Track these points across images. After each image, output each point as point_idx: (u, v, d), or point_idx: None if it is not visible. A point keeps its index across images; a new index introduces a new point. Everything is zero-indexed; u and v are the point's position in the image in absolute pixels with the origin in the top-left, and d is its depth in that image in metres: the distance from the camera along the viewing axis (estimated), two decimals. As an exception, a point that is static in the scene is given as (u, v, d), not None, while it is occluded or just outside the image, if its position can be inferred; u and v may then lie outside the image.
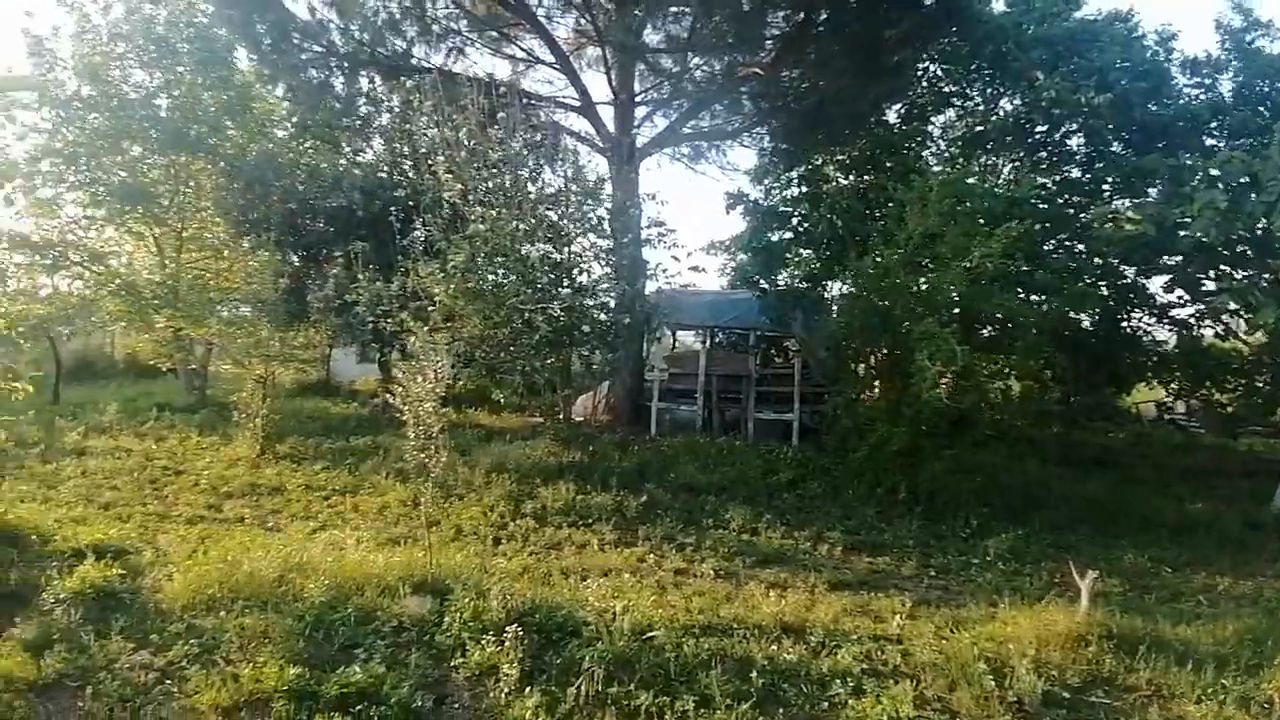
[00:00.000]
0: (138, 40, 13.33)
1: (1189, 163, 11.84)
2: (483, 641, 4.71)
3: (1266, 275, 11.28)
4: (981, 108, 14.90)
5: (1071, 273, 12.89)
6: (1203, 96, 13.51)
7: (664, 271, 12.71)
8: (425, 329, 7.28)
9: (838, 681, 4.50)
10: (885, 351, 10.23)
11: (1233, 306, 12.66)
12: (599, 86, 18.25)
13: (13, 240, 12.43)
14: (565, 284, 11.24)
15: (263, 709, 4.11)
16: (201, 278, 14.55)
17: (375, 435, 11.33)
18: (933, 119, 15.26)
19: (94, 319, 15.31)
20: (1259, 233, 10.18)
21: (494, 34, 14.68)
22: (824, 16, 12.37)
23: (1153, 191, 13.09)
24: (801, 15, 12.36)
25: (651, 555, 7.25)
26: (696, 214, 44.38)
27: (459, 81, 12.53)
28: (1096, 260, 13.41)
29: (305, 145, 15.28)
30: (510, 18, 14.04)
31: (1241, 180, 9.57)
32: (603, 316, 11.89)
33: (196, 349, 14.52)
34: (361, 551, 6.42)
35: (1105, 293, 14.03)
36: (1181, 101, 13.44)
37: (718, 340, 16.46)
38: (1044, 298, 12.75)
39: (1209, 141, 13.18)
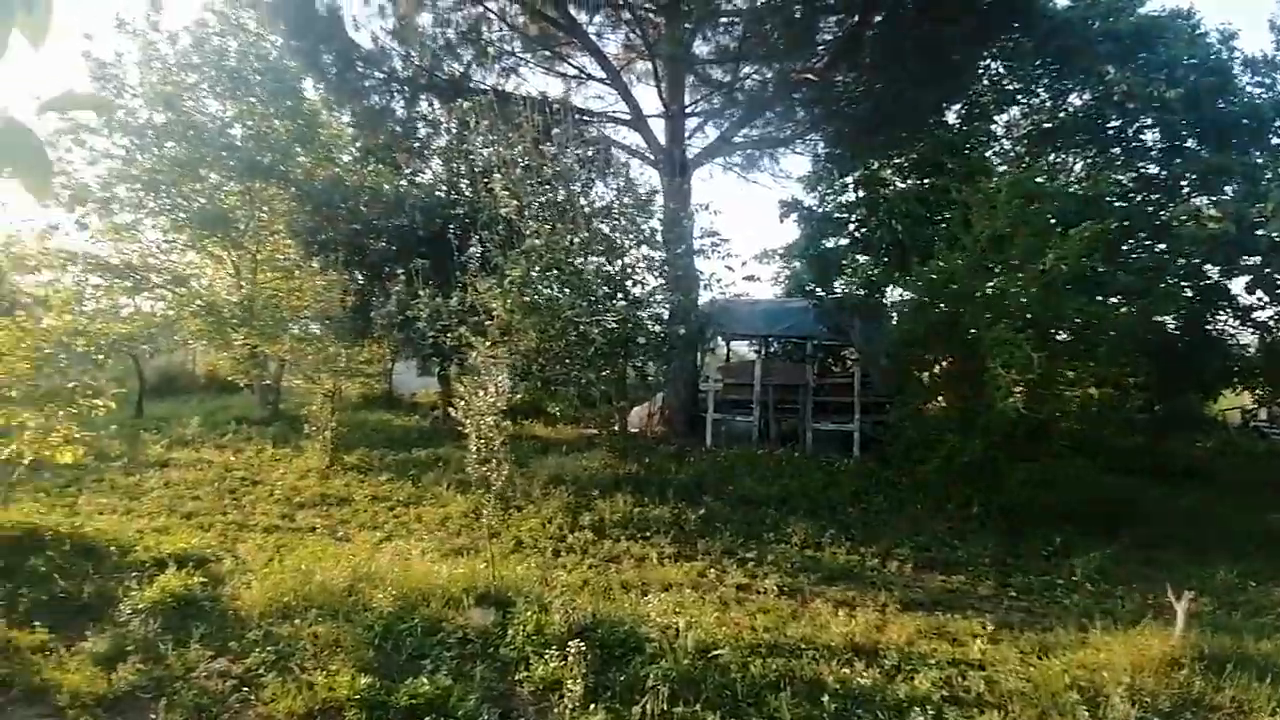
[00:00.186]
0: (209, 71, 14.10)
1: (1259, 160, 11.20)
2: (546, 656, 4.69)
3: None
4: (1049, 104, 14.30)
5: (1154, 273, 12.17)
6: (1265, 95, 12.90)
7: (718, 281, 12.59)
8: (485, 343, 7.37)
9: (916, 709, 4.27)
10: (952, 359, 9.81)
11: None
12: (649, 100, 18.36)
13: (89, 262, 13.22)
14: (619, 296, 11.26)
15: (336, 717, 4.18)
16: (275, 297, 15.23)
17: (436, 447, 11.58)
18: (996, 117, 14.74)
19: (176, 337, 16.21)
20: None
21: (546, 53, 14.98)
22: (879, 19, 12.10)
23: (1228, 189, 12.42)
24: (856, 18, 12.12)
25: (712, 570, 7.12)
26: (749, 223, 44.14)
27: (513, 101, 12.81)
28: (1180, 260, 12.66)
29: (368, 169, 15.87)
30: (562, 37, 14.30)
31: None
32: (657, 328, 11.86)
33: (270, 365, 15.19)
34: (426, 562, 6.53)
35: (1189, 294, 13.25)
36: (1246, 100, 12.82)
37: (773, 350, 16.20)
38: (1124, 300, 12.08)
39: (1274, 140, 12.69)
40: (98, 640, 4.70)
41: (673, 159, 13.51)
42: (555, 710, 4.34)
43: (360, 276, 14.06)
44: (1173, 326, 13.61)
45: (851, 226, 14.00)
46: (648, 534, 8.22)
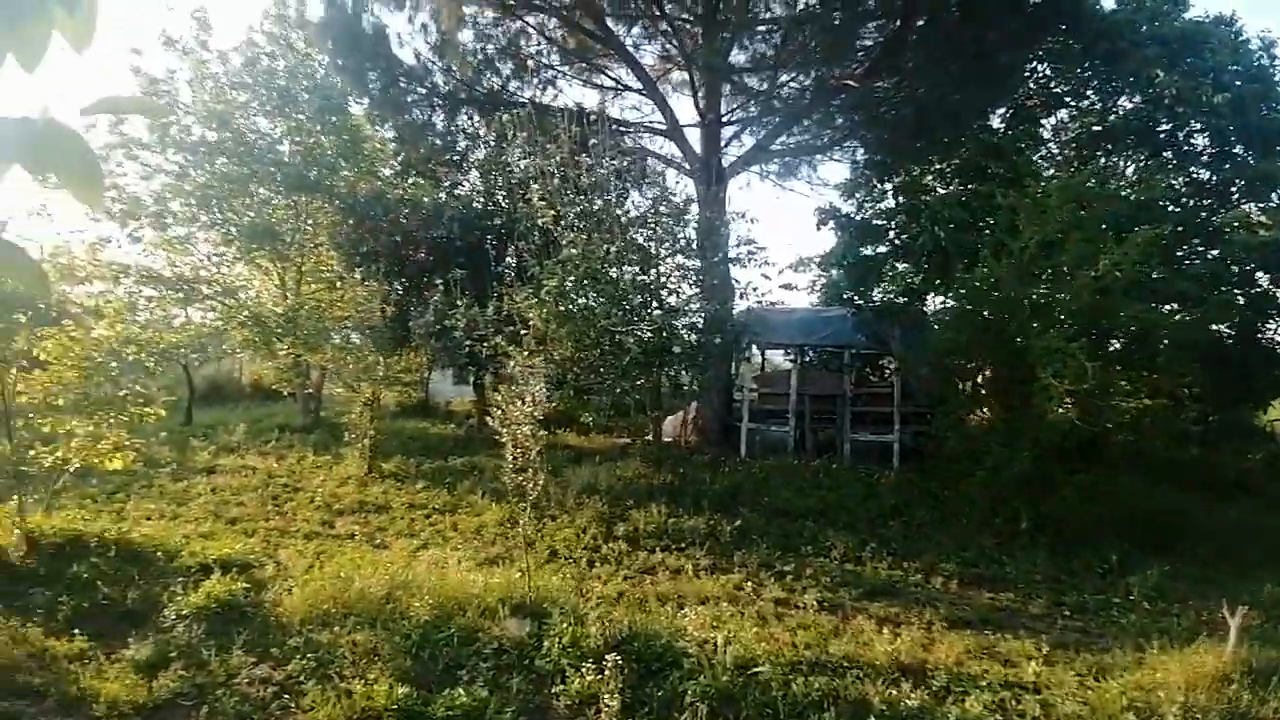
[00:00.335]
0: (260, 90, 14.57)
1: None
2: (582, 669, 4.63)
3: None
4: (1098, 106, 13.88)
5: (1209, 280, 11.71)
6: None
7: (754, 290, 12.47)
8: (522, 353, 7.40)
9: (968, 733, 4.09)
10: (997, 369, 9.49)
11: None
12: (685, 109, 18.35)
13: (142, 274, 13.72)
14: (655, 305, 11.23)
15: (373, 726, 4.18)
16: (318, 308, 15.62)
17: (471, 455, 11.67)
18: (1043, 121, 14.35)
19: (224, 347, 16.71)
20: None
21: (583, 65, 15.12)
22: (922, 23, 11.89)
23: (1274, 196, 12.03)
24: (898, 23, 11.93)
25: (749, 583, 6.97)
26: (785, 231, 43.71)
27: (550, 112, 12.95)
28: (1233, 268, 12.21)
29: (409, 182, 16.20)
30: (599, 49, 14.41)
31: None
32: (692, 337, 11.78)
33: (312, 374, 15.55)
34: (462, 571, 6.53)
35: (1240, 302, 12.77)
36: None
37: (808, 359, 15.95)
38: (1178, 308, 11.63)
39: None
40: (140, 647, 4.76)
41: (709, 168, 13.46)
42: (592, 724, 4.27)
43: (399, 287, 14.33)
44: (1227, 335, 13.07)
45: (891, 233, 13.73)
46: (683, 545, 8.11)
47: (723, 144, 14.22)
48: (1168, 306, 11.86)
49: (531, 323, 10.30)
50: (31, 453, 6.33)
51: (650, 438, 13.11)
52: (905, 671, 4.88)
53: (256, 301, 16.02)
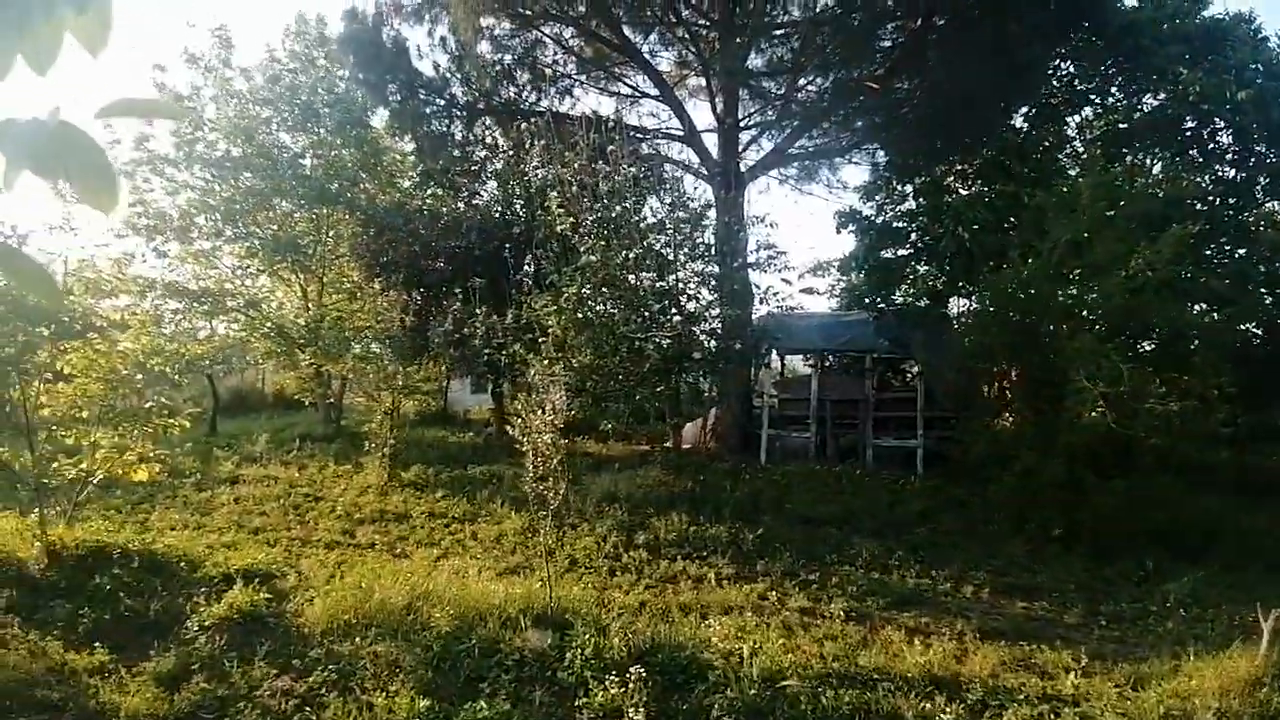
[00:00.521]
0: (283, 106, 14.79)
1: None
2: (606, 681, 4.53)
3: None
4: (1123, 104, 13.63)
5: (1239, 280, 11.42)
6: None
7: (775, 295, 12.34)
8: (542, 360, 7.36)
9: (1008, 750, 3.93)
10: (1027, 371, 9.26)
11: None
12: (703, 115, 18.29)
13: (168, 288, 13.93)
14: (674, 311, 11.15)
15: (395, 740, 4.13)
16: (339, 319, 15.78)
17: (490, 464, 11.64)
18: (1068, 119, 14.10)
19: (247, 358, 16.92)
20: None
21: (600, 73, 15.16)
22: (942, 23, 11.74)
23: None
24: (918, 22, 11.79)
25: (773, 592, 6.84)
26: (804, 235, 43.45)
27: (568, 121, 12.97)
28: (1260, 266, 11.92)
29: (428, 193, 16.34)
30: (616, 57, 14.44)
31: None
32: (711, 343, 11.68)
33: (333, 383, 15.68)
34: (483, 581, 6.48)
35: (1267, 301, 12.46)
36: None
37: (829, 364, 15.76)
38: (1207, 307, 11.35)
39: None
40: (162, 659, 4.73)
41: (727, 172, 13.39)
42: (616, 739, 4.18)
43: (419, 297, 14.39)
44: (1254, 334, 12.75)
45: (912, 236, 13.53)
46: (704, 554, 7.99)
47: (741, 148, 14.16)
48: (1197, 306, 11.56)
49: (550, 330, 10.26)
50: (54, 465, 6.38)
51: (670, 445, 13.02)
52: (938, 684, 4.72)
53: (279, 313, 16.24)
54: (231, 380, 20.11)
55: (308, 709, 4.36)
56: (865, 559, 7.90)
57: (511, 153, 14.69)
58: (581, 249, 10.35)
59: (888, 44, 12.70)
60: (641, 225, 11.38)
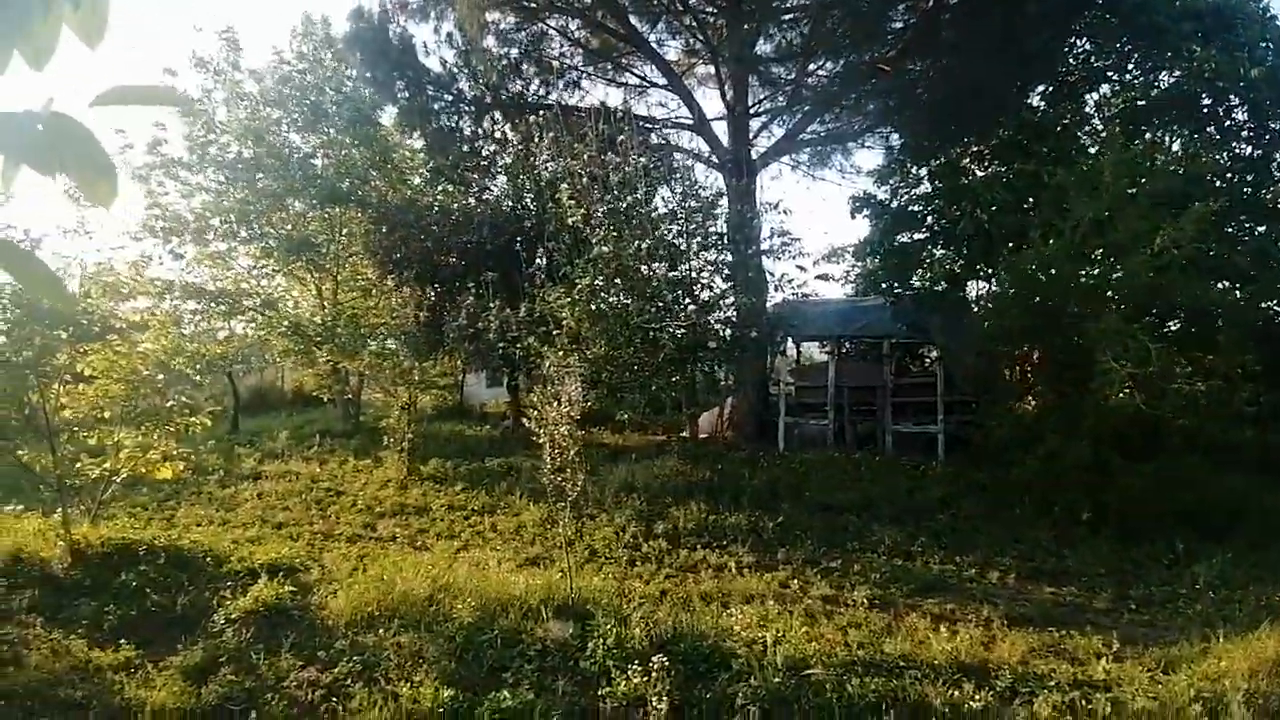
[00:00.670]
0: (292, 106, 14.84)
1: None
2: (628, 671, 4.52)
3: None
4: (1139, 81, 13.37)
5: (1259, 257, 11.16)
6: None
7: (789, 282, 12.22)
8: (557, 352, 7.34)
9: (1039, 736, 3.87)
10: (1050, 353, 9.08)
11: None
12: (712, 103, 18.13)
13: (185, 289, 14.08)
14: (688, 301, 11.09)
15: (420, 730, 4.14)
16: (355, 316, 15.88)
17: (508, 457, 11.68)
18: (1086, 96, 13.81)
19: (266, 356, 17.09)
20: None
21: (607, 65, 15.05)
22: (955, 2, 11.50)
23: None
24: (930, 2, 11.57)
25: (795, 580, 6.78)
26: (818, 221, 43.03)
27: (576, 113, 12.91)
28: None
29: (439, 189, 16.38)
30: (623, 47, 14.33)
31: None
32: (726, 332, 11.60)
33: (351, 380, 15.80)
34: (503, 572, 6.50)
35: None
36: None
37: (845, 350, 15.61)
38: (1230, 286, 11.11)
39: None
40: (189, 653, 4.77)
41: (738, 160, 13.26)
42: (640, 728, 4.16)
43: (432, 292, 14.45)
44: (1275, 312, 12.46)
45: (929, 219, 13.32)
46: (724, 542, 7.96)
47: (751, 135, 14.01)
48: (1220, 284, 11.35)
49: (564, 322, 10.25)
50: (78, 465, 6.46)
51: (686, 434, 12.98)
52: (966, 672, 4.65)
53: (296, 312, 16.37)
54: (251, 379, 20.34)
55: (334, 699, 4.39)
56: (887, 546, 7.82)
57: (521, 146, 14.67)
58: (593, 241, 10.31)
59: (899, 25, 12.48)
60: (653, 215, 11.31)
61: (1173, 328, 10.53)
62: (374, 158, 15.65)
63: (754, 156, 13.80)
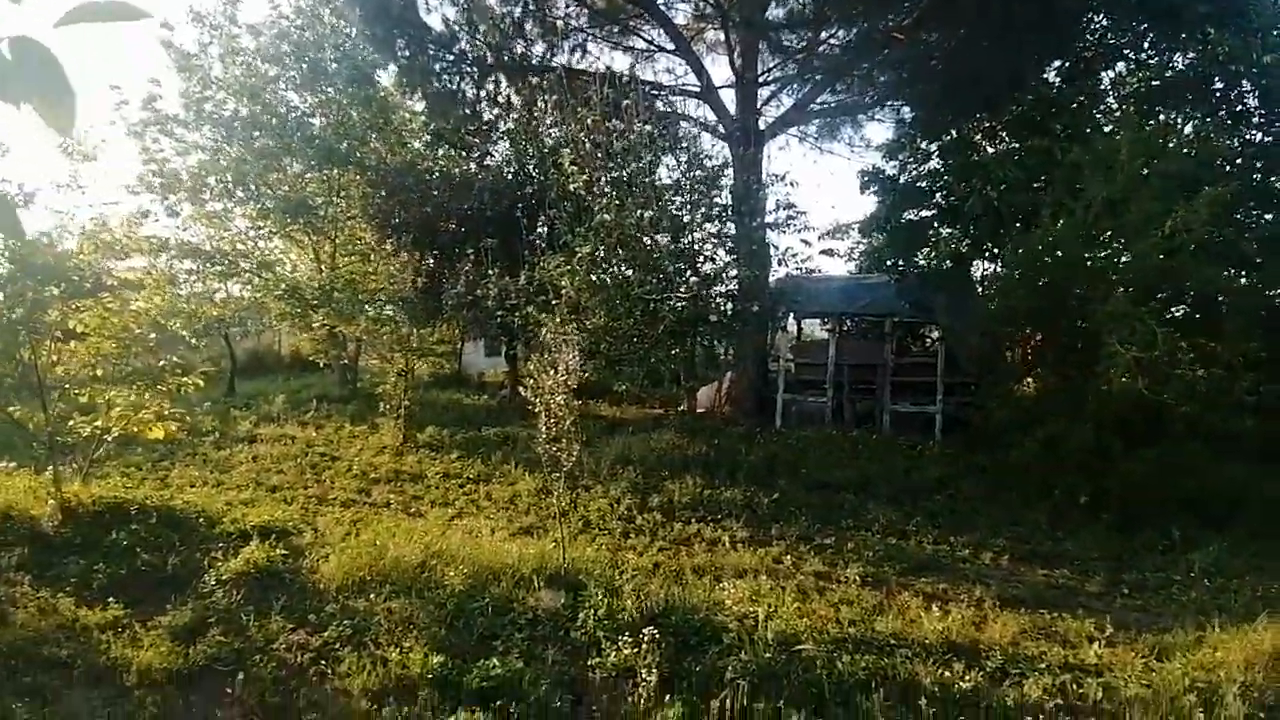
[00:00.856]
0: (289, 63, 14.45)
1: None
2: (619, 642, 4.51)
3: None
4: (1155, 60, 13.05)
5: (1268, 244, 11.00)
6: None
7: (793, 256, 12.04)
8: (554, 320, 7.23)
9: (1029, 719, 3.85)
10: (1054, 336, 8.96)
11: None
12: (720, 71, 17.69)
13: (181, 248, 13.90)
14: (689, 273, 10.93)
15: (409, 695, 4.13)
16: (352, 281, 15.72)
17: (504, 426, 11.64)
18: (1102, 74, 13.47)
19: (263, 320, 16.97)
20: None
21: (614, 27, 14.61)
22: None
23: None
24: (948, -31, 11.16)
25: (788, 556, 6.78)
26: (823, 196, 42.47)
27: (580, 76, 12.57)
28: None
29: (439, 153, 16.07)
30: (631, 9, 13.90)
31: None
32: (727, 305, 11.46)
33: (348, 345, 15.70)
34: (496, 541, 6.49)
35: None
36: None
37: (847, 328, 15.49)
38: (1237, 272, 10.97)
39: None
40: (179, 613, 4.74)
41: (745, 130, 12.96)
42: (629, 699, 4.16)
43: (431, 259, 14.27)
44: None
45: (937, 196, 13.08)
46: (719, 517, 7.95)
47: (760, 105, 13.67)
48: (1226, 271, 11.22)
49: (564, 291, 10.11)
50: (69, 423, 6.39)
51: (684, 408, 12.93)
52: (957, 651, 4.64)
53: (293, 276, 16.19)
54: (249, 342, 20.25)
55: (323, 662, 4.38)
56: (882, 524, 7.81)
57: (523, 111, 14.34)
58: (595, 209, 10.12)
59: (915, -8, 12.06)
60: (657, 185, 11.08)
61: (1178, 313, 10.41)
62: (373, 119, 15.33)
63: (761, 127, 13.49)
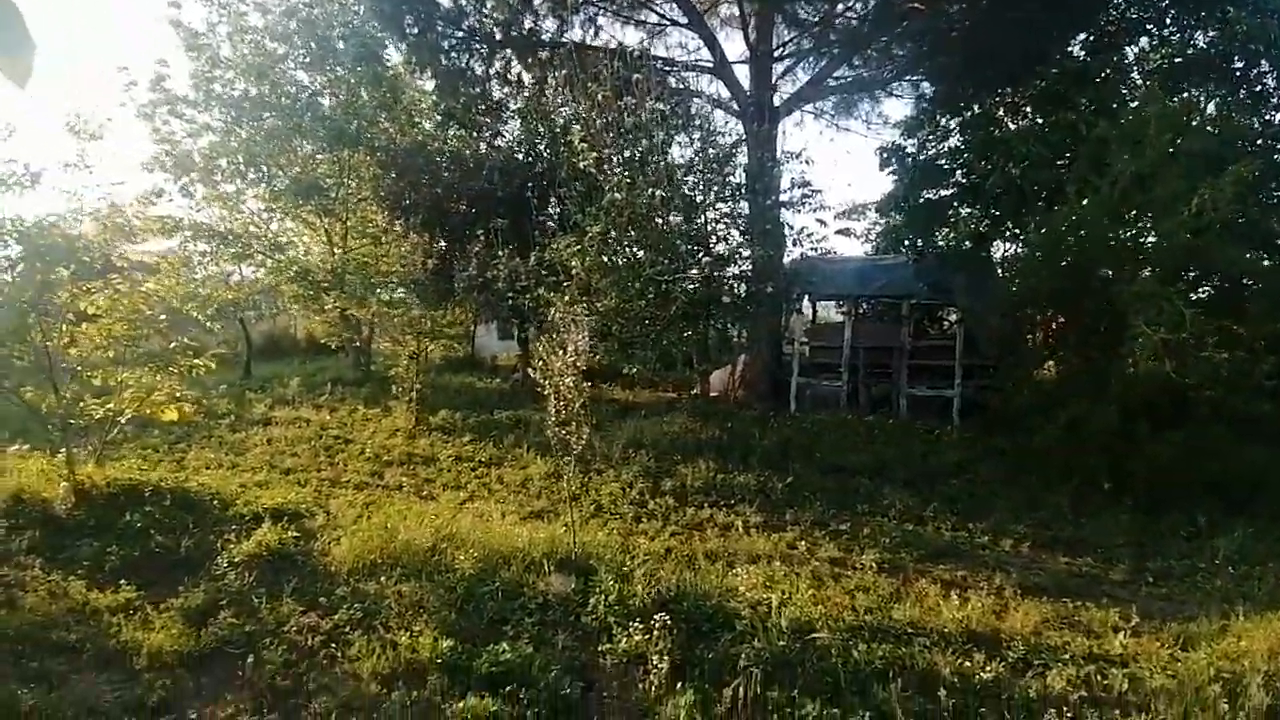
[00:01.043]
0: (298, 41, 14.29)
1: None
2: (630, 628, 4.44)
3: None
4: (1177, 37, 12.59)
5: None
6: None
7: (808, 236, 11.80)
8: (564, 299, 7.12)
9: (1052, 711, 3.74)
10: (1077, 317, 8.70)
11: None
12: (734, 46, 17.30)
13: (196, 229, 13.89)
14: (702, 253, 10.74)
15: (418, 679, 4.09)
16: (364, 263, 15.67)
17: (517, 410, 11.59)
18: (1126, 48, 13.01)
19: (277, 303, 17.00)
20: None
21: (625, 1, 14.29)
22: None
23: None
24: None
25: (802, 542, 6.69)
26: (839, 174, 41.80)
27: (591, 52, 12.31)
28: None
29: (449, 133, 15.90)
30: (642, -20, 13.59)
31: None
32: (741, 287, 11.27)
33: (361, 328, 15.70)
34: (507, 524, 6.44)
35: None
36: None
37: (862, 311, 15.24)
38: (1260, 253, 10.62)
39: None
40: (190, 595, 4.73)
41: (760, 105, 12.67)
42: (640, 686, 4.09)
43: (441, 240, 14.17)
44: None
45: (958, 173, 12.73)
46: (732, 501, 7.86)
47: (774, 80, 13.35)
48: (1249, 253, 10.89)
49: (574, 272, 9.99)
50: (81, 405, 6.38)
51: (697, 392, 12.81)
52: (977, 641, 4.54)
53: (306, 259, 16.18)
54: (264, 325, 20.34)
55: (333, 645, 4.36)
56: (898, 510, 7.69)
57: (533, 89, 14.12)
58: (606, 187, 9.95)
59: (938, -39, 11.64)
60: (669, 163, 10.87)
61: (1202, 294, 10.11)
62: (382, 98, 15.16)
63: (776, 103, 13.18)
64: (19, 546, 5.14)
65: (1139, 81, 13.14)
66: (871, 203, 16.56)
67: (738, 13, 13.41)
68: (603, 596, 4.87)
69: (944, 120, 13.28)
